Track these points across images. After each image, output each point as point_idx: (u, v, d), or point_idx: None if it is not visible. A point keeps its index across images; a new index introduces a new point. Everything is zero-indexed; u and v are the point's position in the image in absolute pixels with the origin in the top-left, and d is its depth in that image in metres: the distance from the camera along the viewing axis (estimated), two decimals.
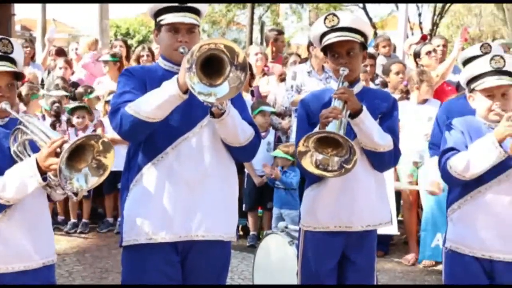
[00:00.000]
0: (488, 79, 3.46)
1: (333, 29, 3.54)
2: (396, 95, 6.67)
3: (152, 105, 3.05)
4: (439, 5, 26.57)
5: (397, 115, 3.75)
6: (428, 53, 7.44)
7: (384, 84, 7.46)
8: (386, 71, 7.24)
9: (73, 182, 2.85)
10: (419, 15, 27.75)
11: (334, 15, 3.57)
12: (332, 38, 3.53)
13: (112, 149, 2.90)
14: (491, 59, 3.46)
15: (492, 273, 3.50)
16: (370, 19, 26.87)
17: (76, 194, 3.10)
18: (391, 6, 26.93)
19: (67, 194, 3.04)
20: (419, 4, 27.49)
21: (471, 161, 3.38)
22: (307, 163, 3.19)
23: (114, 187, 6.99)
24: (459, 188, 3.56)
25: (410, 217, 6.78)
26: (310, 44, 7.17)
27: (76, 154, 2.83)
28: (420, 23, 27.83)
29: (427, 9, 28.04)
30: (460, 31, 7.52)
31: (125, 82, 3.28)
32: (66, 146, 2.78)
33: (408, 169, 6.58)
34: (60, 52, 9.70)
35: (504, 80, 3.44)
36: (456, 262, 3.57)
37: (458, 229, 3.56)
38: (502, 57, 3.46)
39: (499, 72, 3.44)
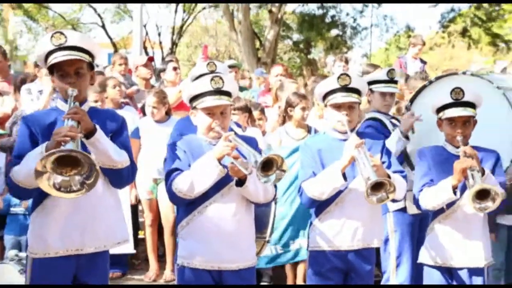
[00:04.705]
0: (208, 98, 3.64)
1: (61, 48, 3.44)
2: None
3: None
4: (178, 25, 27.45)
5: (127, 133, 3.76)
6: (174, 68, 7.73)
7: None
8: (103, 86, 7.20)
9: None
10: (159, 34, 28.35)
11: (61, 33, 3.47)
12: (59, 56, 3.43)
13: None
14: (211, 79, 3.64)
15: (221, 282, 3.67)
16: (110, 38, 26.79)
17: None
18: (131, 25, 27.15)
19: None
20: (159, 24, 28.17)
21: (195, 180, 3.52)
22: (46, 186, 3.03)
23: None
24: (186, 206, 3.68)
25: (151, 234, 6.84)
26: (37, 63, 6.94)
27: None
28: (160, 42, 28.43)
29: (167, 29, 28.76)
30: (201, 49, 7.91)
31: None
32: None
33: (148, 186, 6.66)
34: None
35: (222, 100, 3.65)
36: (188, 276, 3.68)
37: (188, 245, 3.68)
38: (221, 78, 3.66)
39: (218, 92, 3.64)
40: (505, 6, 24.18)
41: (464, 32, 25.51)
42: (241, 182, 3.56)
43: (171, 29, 27.81)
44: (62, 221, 3.48)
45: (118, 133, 3.64)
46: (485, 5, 24.21)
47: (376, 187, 3.62)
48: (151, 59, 9.18)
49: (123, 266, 6.64)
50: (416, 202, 4.09)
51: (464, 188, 3.86)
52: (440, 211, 4.04)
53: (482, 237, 4.07)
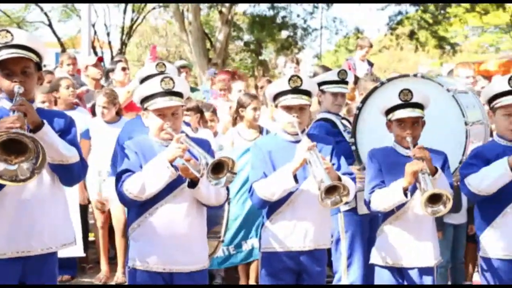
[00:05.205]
0: (159, 99, 3.62)
1: (7, 46, 3.36)
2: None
3: None
4: (127, 25, 27.17)
5: (76, 131, 3.69)
6: (123, 69, 7.71)
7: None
8: (56, 87, 7.08)
9: None
10: (108, 34, 27.97)
11: (8, 31, 3.39)
12: (5, 54, 3.35)
13: None
14: (162, 80, 3.62)
15: (172, 282, 3.66)
16: (58, 37, 26.33)
17: None
18: (79, 24, 26.79)
19: None
20: (107, 24, 27.81)
21: (146, 182, 3.51)
22: None
23: None
24: (137, 208, 3.66)
25: (102, 236, 6.74)
26: None
27: None
28: (109, 42, 28.05)
29: (116, 29, 28.39)
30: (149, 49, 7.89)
31: None
32: None
33: (98, 187, 6.56)
34: None
35: (173, 101, 3.63)
36: (139, 278, 3.65)
37: (140, 247, 3.66)
38: (171, 79, 3.64)
39: (169, 93, 3.62)
40: (450, 9, 24.78)
41: (411, 35, 26.03)
42: (193, 184, 3.55)
43: (120, 29, 27.51)
44: (8, 222, 3.39)
45: (66, 132, 3.58)
46: (431, 8, 24.74)
47: (330, 190, 3.64)
48: (100, 59, 9.09)
49: (72, 269, 6.52)
50: (367, 204, 4.14)
51: (414, 189, 3.93)
52: (391, 212, 4.10)
53: (432, 237, 4.14)
